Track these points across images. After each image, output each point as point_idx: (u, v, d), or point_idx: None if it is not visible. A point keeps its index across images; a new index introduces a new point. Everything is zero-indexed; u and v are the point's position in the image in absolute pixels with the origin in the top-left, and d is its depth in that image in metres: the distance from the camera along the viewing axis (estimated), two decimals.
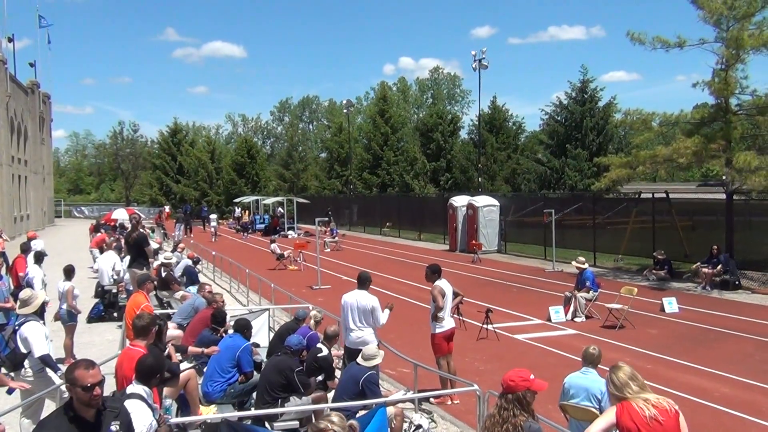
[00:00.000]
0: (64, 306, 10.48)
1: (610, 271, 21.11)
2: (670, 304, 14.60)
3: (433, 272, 8.83)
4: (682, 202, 23.69)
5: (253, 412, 7.05)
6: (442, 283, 8.75)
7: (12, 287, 12.24)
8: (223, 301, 9.75)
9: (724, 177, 19.55)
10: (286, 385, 6.99)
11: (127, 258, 14.53)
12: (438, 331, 8.69)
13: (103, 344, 11.66)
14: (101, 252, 17.35)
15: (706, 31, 30.04)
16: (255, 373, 7.72)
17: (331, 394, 7.45)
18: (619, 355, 10.35)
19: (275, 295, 14.39)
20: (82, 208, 69.97)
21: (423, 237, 34.62)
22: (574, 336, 12.37)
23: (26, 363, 6.91)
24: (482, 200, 28.06)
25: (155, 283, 12.14)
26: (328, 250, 28.96)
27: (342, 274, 20.84)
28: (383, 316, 8.26)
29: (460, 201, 28.84)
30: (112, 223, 29.44)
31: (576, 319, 13.61)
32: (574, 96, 41.74)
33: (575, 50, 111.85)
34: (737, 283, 17.32)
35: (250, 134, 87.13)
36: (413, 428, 6.86)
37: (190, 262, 16.10)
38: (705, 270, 17.57)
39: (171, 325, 9.46)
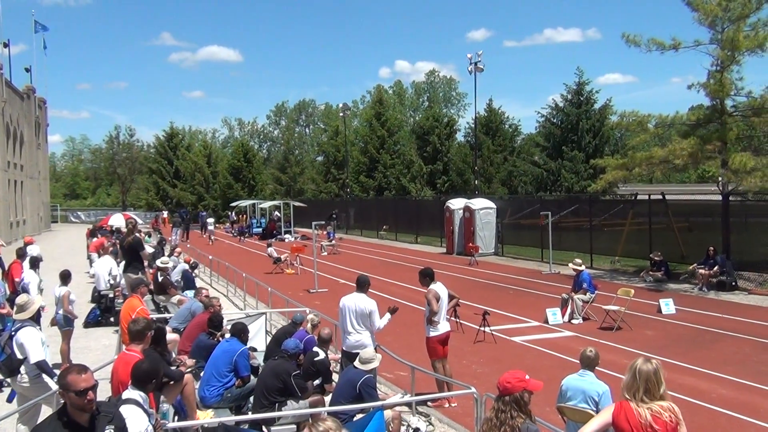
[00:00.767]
0: (61, 311, 10.44)
1: (606, 273, 21.12)
2: (667, 306, 14.60)
3: (426, 276, 8.82)
4: (679, 204, 23.73)
5: (250, 416, 7.04)
6: (437, 287, 8.73)
7: (8, 292, 12.17)
8: (219, 305, 9.73)
9: (720, 178, 19.59)
10: (283, 389, 6.98)
11: (123, 263, 14.51)
12: (433, 334, 8.68)
13: (99, 349, 11.62)
14: (99, 256, 17.31)
15: (701, 33, 30.30)
16: (252, 377, 7.71)
17: (328, 398, 7.44)
18: (616, 357, 10.37)
19: (272, 299, 14.35)
20: (79, 213, 69.80)
21: (420, 240, 34.59)
22: (572, 338, 12.37)
23: (22, 369, 6.89)
24: (479, 203, 28.07)
25: (149, 287, 12.12)
26: (325, 253, 28.92)
27: (339, 277, 20.82)
28: (381, 320, 8.21)
29: (456, 204, 28.83)
30: (108, 228, 29.36)
31: (573, 321, 13.61)
32: (570, 98, 41.93)
33: (571, 53, 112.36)
34: (734, 284, 17.34)
35: (246, 138, 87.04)
36: (411, 431, 6.85)
37: (187, 267, 16.08)
38: (702, 271, 17.59)
39: (167, 329, 9.44)
